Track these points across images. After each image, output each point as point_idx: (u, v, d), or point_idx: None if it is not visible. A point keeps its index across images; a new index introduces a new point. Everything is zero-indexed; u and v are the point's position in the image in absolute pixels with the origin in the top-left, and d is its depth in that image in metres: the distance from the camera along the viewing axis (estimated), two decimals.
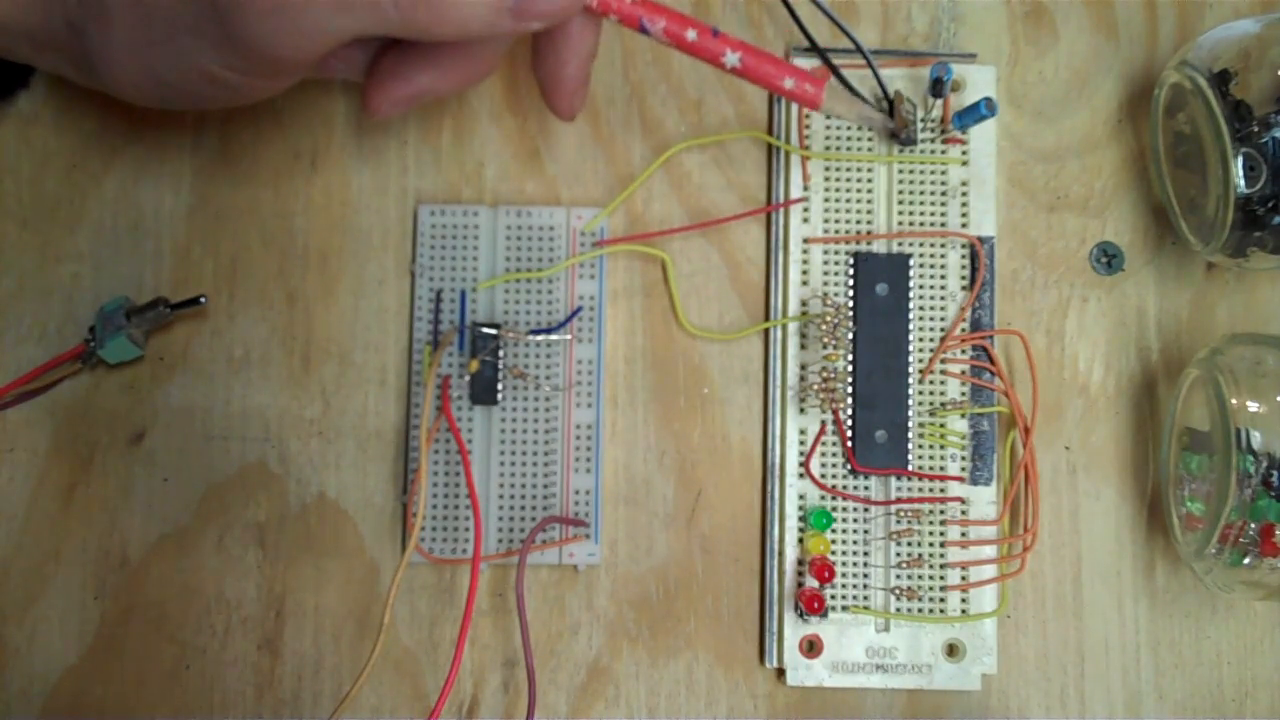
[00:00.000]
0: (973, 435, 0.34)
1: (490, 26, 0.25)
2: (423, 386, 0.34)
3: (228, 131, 0.35)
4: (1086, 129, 0.37)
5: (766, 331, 0.35)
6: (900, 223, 0.35)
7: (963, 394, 0.34)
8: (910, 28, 0.37)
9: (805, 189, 0.35)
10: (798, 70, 0.29)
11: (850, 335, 0.34)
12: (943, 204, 0.35)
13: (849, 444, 0.34)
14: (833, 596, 0.33)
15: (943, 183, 0.35)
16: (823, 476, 0.34)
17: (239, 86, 0.28)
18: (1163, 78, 0.35)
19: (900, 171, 0.35)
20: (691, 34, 0.28)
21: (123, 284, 0.35)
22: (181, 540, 0.34)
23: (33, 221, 0.35)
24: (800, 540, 0.34)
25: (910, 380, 0.34)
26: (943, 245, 0.35)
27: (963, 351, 0.35)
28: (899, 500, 0.34)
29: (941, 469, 0.34)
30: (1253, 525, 0.31)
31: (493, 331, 0.34)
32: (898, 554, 0.34)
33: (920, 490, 0.34)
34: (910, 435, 0.34)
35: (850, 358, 0.34)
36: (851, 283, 0.35)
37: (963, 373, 0.35)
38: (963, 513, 0.34)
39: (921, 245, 0.35)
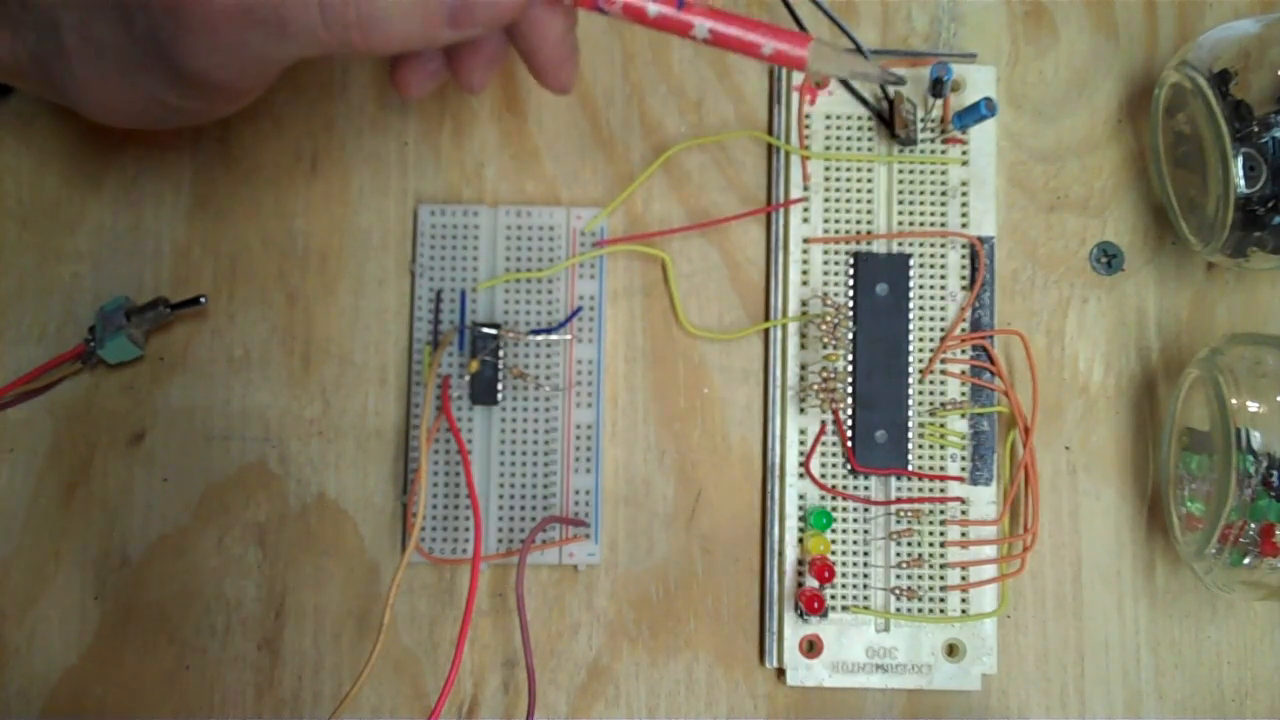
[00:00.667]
0: (973, 435, 0.34)
1: (430, 40, 0.25)
2: (423, 386, 0.34)
3: (228, 132, 0.35)
4: (1086, 129, 0.37)
5: (766, 331, 0.35)
6: (900, 223, 0.35)
7: (963, 394, 0.34)
8: (910, 28, 0.37)
9: (805, 189, 0.35)
10: (777, 31, 0.26)
11: (850, 335, 0.34)
12: (943, 204, 0.35)
13: (849, 444, 0.34)
14: (833, 596, 0.33)
15: (943, 183, 0.35)
16: (823, 476, 0.34)
17: (198, 111, 0.28)
18: (1163, 78, 0.35)
19: (900, 171, 0.35)
20: (654, 8, 0.26)
21: (123, 284, 0.35)
22: (181, 540, 0.34)
23: (33, 221, 0.35)
24: (800, 540, 0.34)
25: (910, 380, 0.34)
26: (943, 245, 0.35)
27: (963, 351, 0.35)
28: (899, 500, 0.34)
29: (941, 469, 0.34)
30: (1253, 525, 0.31)
31: (493, 331, 0.34)
32: (898, 554, 0.34)
33: (920, 490, 0.34)
34: (910, 435, 0.34)
35: (850, 358, 0.34)
36: (851, 283, 0.35)
37: (963, 373, 0.35)
38: (963, 513, 0.34)
39: (921, 245, 0.35)
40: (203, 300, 0.34)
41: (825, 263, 0.35)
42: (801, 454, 0.34)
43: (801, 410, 0.34)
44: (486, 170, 0.36)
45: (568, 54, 0.28)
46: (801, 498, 0.34)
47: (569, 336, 0.34)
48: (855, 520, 0.34)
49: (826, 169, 0.35)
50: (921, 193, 0.35)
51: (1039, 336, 0.36)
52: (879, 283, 0.35)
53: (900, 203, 0.35)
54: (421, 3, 0.24)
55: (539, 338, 0.34)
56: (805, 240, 0.35)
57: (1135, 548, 0.35)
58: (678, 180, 0.36)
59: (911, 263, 0.35)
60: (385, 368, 0.35)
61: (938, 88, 0.34)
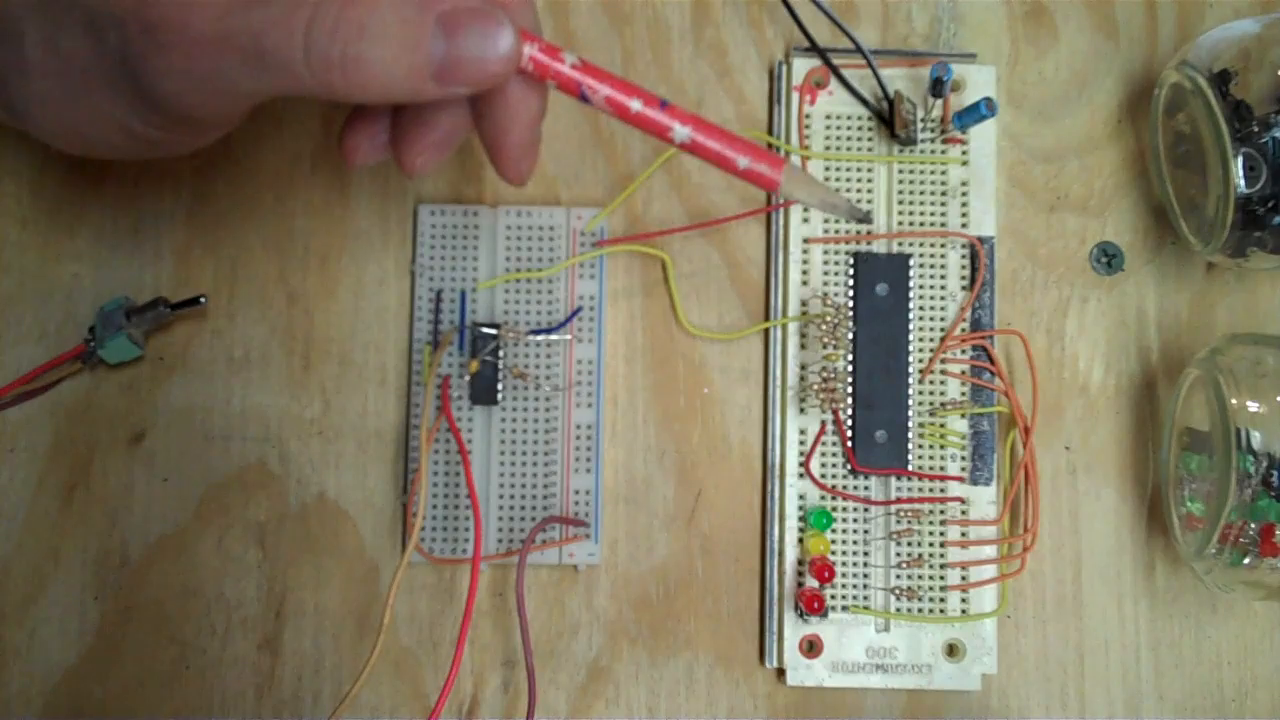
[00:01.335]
0: (973, 435, 0.34)
1: (414, 93, 0.24)
2: (423, 386, 0.34)
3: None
4: (1086, 129, 0.37)
5: (766, 331, 0.35)
6: (900, 223, 0.35)
7: (963, 394, 0.34)
8: (910, 28, 0.37)
9: None
10: (754, 148, 0.26)
11: (850, 335, 0.34)
12: (943, 204, 0.35)
13: (849, 444, 0.34)
14: (833, 596, 0.33)
15: (943, 183, 0.35)
16: (823, 476, 0.34)
17: (159, 141, 0.27)
18: (1163, 78, 0.35)
19: (900, 171, 0.35)
20: (636, 104, 0.25)
21: (123, 284, 0.35)
22: (181, 540, 0.34)
23: (33, 221, 0.35)
24: (800, 540, 0.34)
25: (910, 380, 0.34)
26: (943, 245, 0.35)
27: (963, 351, 0.35)
28: (899, 500, 0.34)
29: (941, 469, 0.34)
30: (1253, 525, 0.31)
31: (493, 331, 0.34)
32: (898, 554, 0.34)
33: (920, 490, 0.34)
34: (910, 435, 0.34)
35: (850, 358, 0.34)
36: (851, 283, 0.35)
37: (963, 373, 0.35)
38: (963, 513, 0.34)
39: (921, 245, 0.35)
40: (203, 300, 0.34)
41: (825, 263, 0.35)
42: (801, 454, 0.34)
43: (801, 410, 0.34)
44: (486, 170, 0.36)
45: (532, 143, 0.27)
46: (801, 498, 0.34)
47: (569, 336, 0.34)
48: (855, 520, 0.34)
49: (826, 169, 0.35)
50: (921, 193, 0.35)
51: (1039, 336, 0.36)
52: (879, 283, 0.35)
53: (900, 203, 0.35)
54: (409, 52, 0.23)
55: (539, 338, 0.34)
56: (805, 240, 0.35)
57: (1135, 548, 0.35)
58: (678, 180, 0.36)
59: (911, 263, 0.35)
60: (385, 368, 0.35)
61: (938, 88, 0.34)
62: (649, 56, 0.36)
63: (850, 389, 0.34)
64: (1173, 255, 0.36)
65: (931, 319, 0.35)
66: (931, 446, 0.34)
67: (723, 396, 0.35)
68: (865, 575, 0.34)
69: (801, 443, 0.34)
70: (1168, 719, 0.34)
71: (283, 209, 0.35)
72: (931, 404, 0.34)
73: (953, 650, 0.34)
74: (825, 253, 0.35)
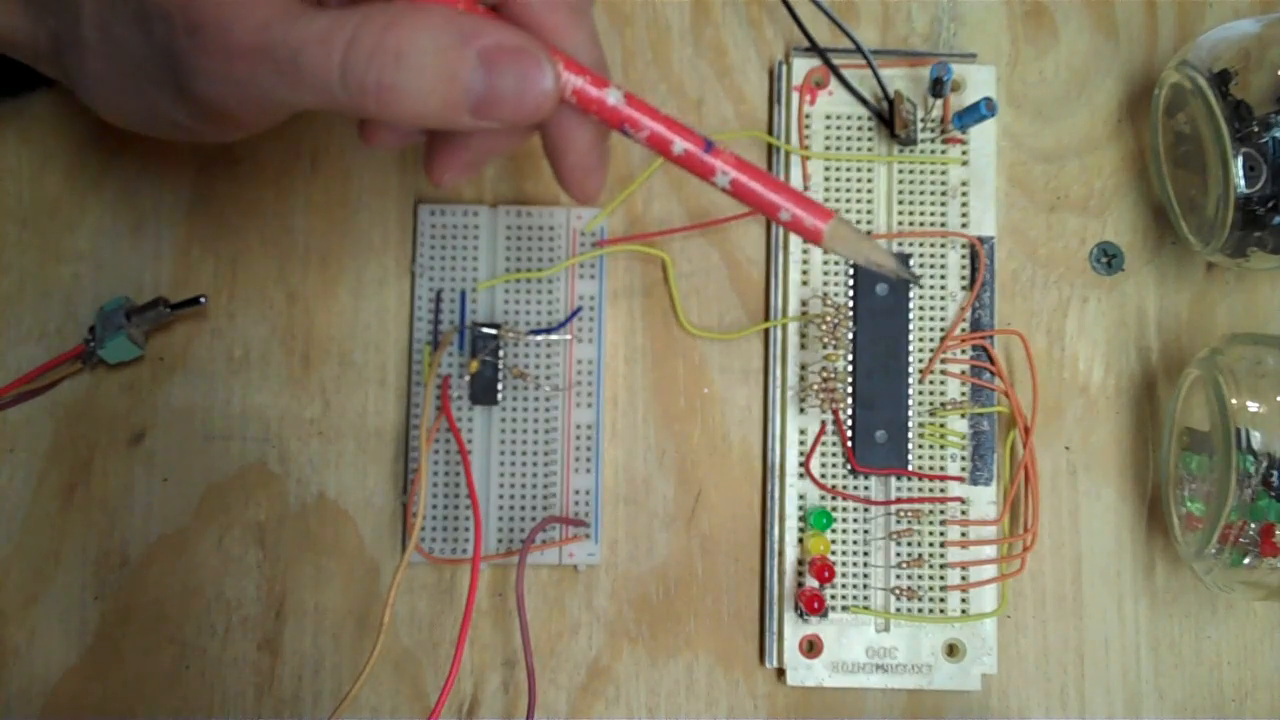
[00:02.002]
0: (973, 435, 0.34)
1: (447, 122, 0.24)
2: (423, 386, 0.34)
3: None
4: (1086, 129, 0.37)
5: (766, 331, 0.35)
6: (900, 223, 0.35)
7: (963, 394, 0.34)
8: (910, 28, 0.37)
9: (805, 189, 0.35)
10: (800, 197, 0.25)
11: (850, 335, 0.34)
12: (943, 204, 0.35)
13: (849, 444, 0.34)
14: (833, 596, 0.33)
15: (943, 183, 0.35)
16: (823, 476, 0.34)
17: (203, 133, 0.27)
18: (1163, 78, 0.35)
19: (900, 171, 0.35)
20: (679, 146, 0.25)
21: (123, 284, 0.35)
22: (181, 540, 0.34)
23: (33, 221, 0.35)
24: (800, 540, 0.34)
25: (910, 380, 0.34)
26: (943, 245, 0.35)
27: (963, 351, 0.35)
28: (899, 500, 0.34)
29: (941, 469, 0.34)
30: (1253, 525, 0.31)
31: (493, 331, 0.34)
32: (898, 554, 0.34)
33: (920, 490, 0.34)
34: (910, 435, 0.34)
35: (850, 358, 0.34)
36: (851, 283, 0.35)
37: (963, 373, 0.35)
38: (963, 513, 0.34)
39: (921, 245, 0.35)
40: (203, 300, 0.34)
41: (825, 263, 0.35)
42: (801, 454, 0.34)
43: (801, 410, 0.34)
44: (486, 170, 0.36)
45: (595, 164, 0.27)
46: (801, 498, 0.34)
47: (569, 336, 0.34)
48: (855, 520, 0.34)
49: (826, 169, 0.35)
50: (921, 193, 0.35)
51: (1039, 336, 0.36)
52: (879, 283, 0.35)
53: (900, 203, 0.35)
54: (446, 85, 0.23)
55: (539, 338, 0.34)
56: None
57: (1135, 548, 0.35)
58: (678, 180, 0.36)
59: (912, 263, 0.35)
60: (385, 368, 0.35)
61: (938, 88, 0.34)
62: (649, 56, 0.36)
63: (850, 389, 0.34)
64: (1173, 255, 0.36)
65: (931, 319, 0.35)
66: (931, 446, 0.34)
67: (723, 396, 0.35)
68: (865, 575, 0.34)
69: (801, 443, 0.34)
70: (1168, 719, 0.34)
71: (283, 208, 0.35)
72: (931, 404, 0.34)
73: (953, 650, 0.34)
74: (825, 252, 0.35)
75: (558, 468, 0.34)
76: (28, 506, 0.34)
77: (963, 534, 0.34)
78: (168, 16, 0.24)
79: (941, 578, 0.34)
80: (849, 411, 0.34)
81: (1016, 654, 0.34)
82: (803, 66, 0.35)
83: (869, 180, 0.35)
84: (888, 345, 0.34)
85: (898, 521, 0.34)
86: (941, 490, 0.34)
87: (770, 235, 0.36)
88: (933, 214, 0.35)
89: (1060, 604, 0.34)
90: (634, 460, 0.35)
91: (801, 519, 0.34)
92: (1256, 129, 0.32)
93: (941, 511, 0.34)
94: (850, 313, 0.34)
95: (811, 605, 0.33)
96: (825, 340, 0.34)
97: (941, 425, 0.34)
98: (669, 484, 0.35)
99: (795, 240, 0.35)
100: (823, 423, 0.34)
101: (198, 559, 0.34)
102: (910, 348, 0.34)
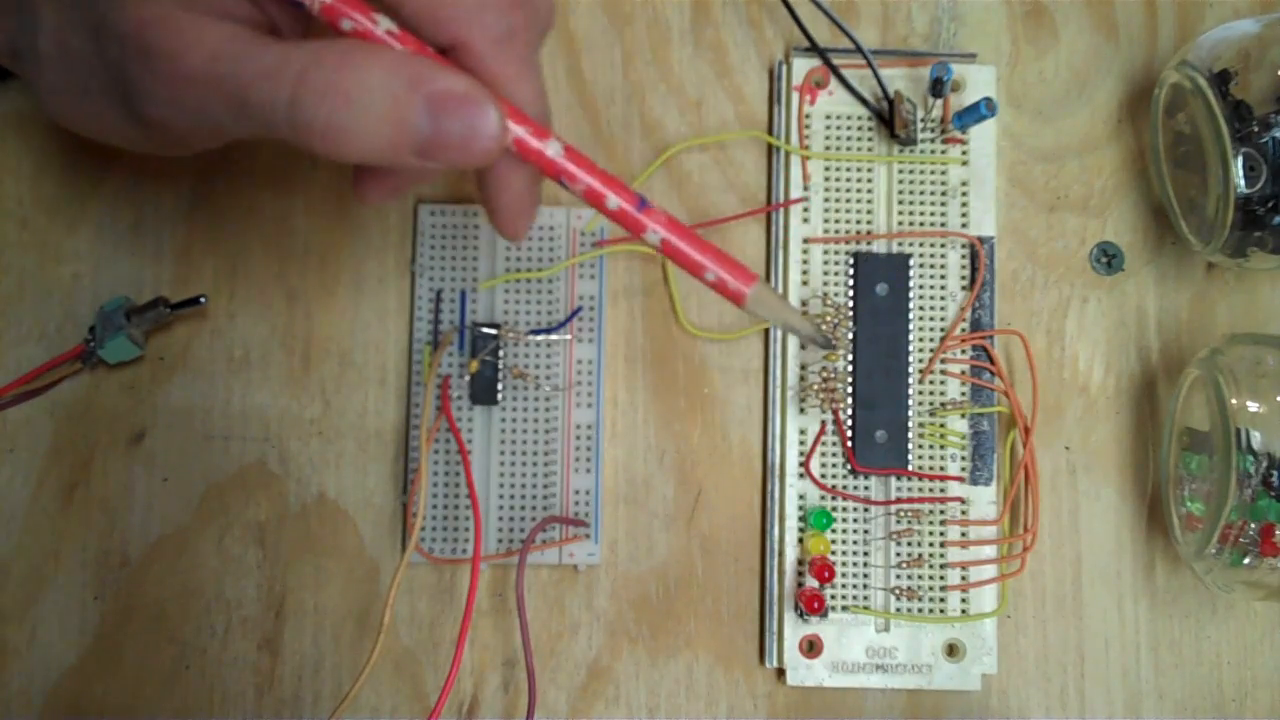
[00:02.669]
0: (973, 435, 0.34)
1: (391, 161, 0.24)
2: (423, 386, 0.34)
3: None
4: (1086, 129, 0.37)
5: (766, 331, 0.35)
6: (900, 223, 0.35)
7: (963, 394, 0.34)
8: (910, 28, 0.37)
9: (805, 189, 0.35)
10: (726, 259, 0.26)
11: (850, 335, 0.34)
12: (943, 204, 0.35)
13: (849, 444, 0.34)
14: (833, 596, 0.33)
15: (943, 183, 0.35)
16: (823, 476, 0.34)
17: (152, 148, 0.28)
18: (1163, 78, 0.35)
19: (900, 171, 0.35)
20: (613, 201, 0.25)
21: (123, 284, 0.35)
22: (181, 540, 0.34)
23: (33, 221, 0.35)
24: (800, 540, 0.34)
25: (910, 380, 0.34)
26: (943, 245, 0.35)
27: (963, 351, 0.35)
28: (899, 500, 0.34)
29: (941, 469, 0.34)
30: (1253, 525, 0.31)
31: (493, 331, 0.34)
32: (898, 554, 0.34)
33: (920, 490, 0.34)
34: (910, 435, 0.34)
35: (850, 358, 0.34)
36: (851, 283, 0.35)
37: (963, 373, 0.35)
38: (963, 513, 0.34)
39: (921, 245, 0.35)
40: (203, 300, 0.34)
41: (825, 263, 0.35)
42: (801, 454, 0.34)
43: (801, 410, 0.34)
44: None
45: (526, 206, 0.27)
46: (801, 498, 0.34)
47: (569, 336, 0.34)
48: (855, 520, 0.34)
49: (826, 169, 0.35)
50: (921, 193, 0.35)
51: (1039, 336, 0.36)
52: (879, 283, 0.35)
53: (900, 203, 0.35)
54: (392, 127, 0.23)
55: (539, 338, 0.34)
56: (805, 240, 0.35)
57: (1135, 548, 0.35)
58: (678, 180, 0.36)
59: (911, 263, 0.35)
60: (385, 368, 0.35)
61: (938, 88, 0.34)
62: (649, 56, 0.36)
63: (850, 389, 0.34)
64: (1173, 255, 0.36)
65: (931, 319, 0.35)
66: (931, 446, 0.34)
67: (723, 396, 0.35)
68: (865, 575, 0.34)
69: (801, 443, 0.34)
70: (1168, 719, 0.34)
71: (283, 208, 0.35)
72: (931, 404, 0.34)
73: (953, 650, 0.34)
74: (825, 253, 0.35)
75: (558, 468, 0.34)
76: (28, 506, 0.34)
77: (963, 534, 0.34)
78: (122, 39, 0.24)
79: (941, 578, 0.34)
80: (849, 411, 0.34)
81: (1016, 654, 0.34)
82: (803, 66, 0.35)
83: (869, 180, 0.35)
84: (888, 345, 0.34)
85: (898, 521, 0.34)
86: (941, 490, 0.34)
87: (770, 235, 0.36)
88: (933, 214, 0.35)
89: (1060, 604, 0.34)
90: (634, 460, 0.35)
91: (801, 519, 0.34)
92: (1256, 129, 0.32)
93: (941, 511, 0.34)
94: (850, 313, 0.34)
95: (811, 605, 0.33)
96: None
97: (941, 425, 0.34)
98: (669, 484, 0.35)
99: (795, 240, 0.35)
100: (823, 423, 0.34)
101: (198, 559, 0.34)
102: (910, 348, 0.34)
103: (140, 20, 0.24)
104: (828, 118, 0.35)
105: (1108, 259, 0.36)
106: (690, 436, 0.35)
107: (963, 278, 0.35)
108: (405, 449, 0.34)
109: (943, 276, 0.35)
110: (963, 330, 0.35)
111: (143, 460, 0.34)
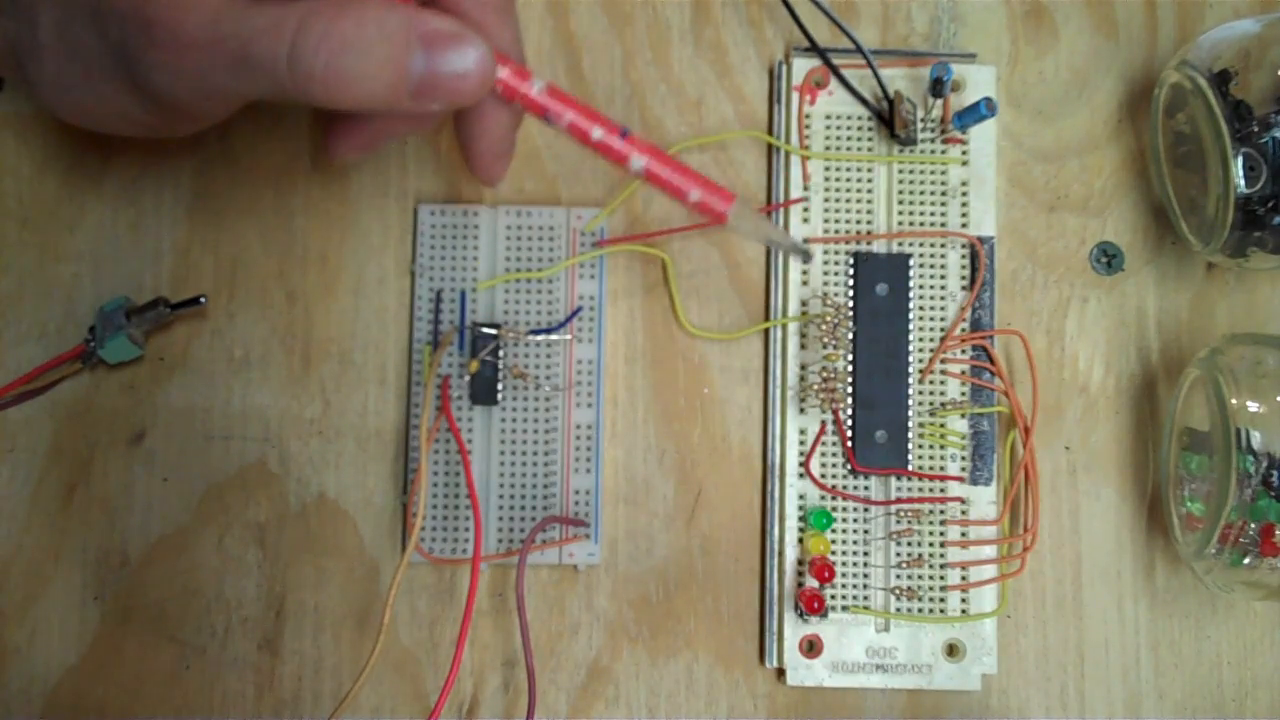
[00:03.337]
0: (973, 435, 0.34)
1: (389, 105, 0.25)
2: (423, 386, 0.34)
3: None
4: (1086, 129, 0.37)
5: (766, 331, 0.35)
6: (900, 223, 0.35)
7: (963, 394, 0.34)
8: (910, 28, 0.37)
9: (805, 189, 0.35)
10: (706, 182, 0.28)
11: (850, 335, 0.34)
12: (943, 204, 0.35)
13: (849, 444, 0.34)
14: (833, 596, 0.33)
15: (943, 183, 0.35)
16: (823, 476, 0.34)
17: (157, 127, 0.29)
18: (1163, 78, 0.35)
19: (900, 171, 0.35)
20: (597, 132, 0.27)
21: (123, 284, 0.35)
22: (181, 540, 0.34)
23: (33, 221, 0.35)
24: (800, 540, 0.34)
25: (910, 380, 0.34)
26: (943, 245, 0.35)
27: (963, 351, 0.35)
28: (899, 500, 0.34)
29: (941, 469, 0.34)
30: (1253, 525, 0.31)
31: (493, 331, 0.34)
32: (898, 554, 0.34)
33: (920, 490, 0.34)
34: (910, 435, 0.34)
35: (850, 358, 0.34)
36: (851, 283, 0.35)
37: (963, 373, 0.35)
38: (963, 513, 0.34)
39: (921, 245, 0.35)
40: (203, 300, 0.34)
41: (825, 263, 0.35)
42: (801, 454, 0.34)
43: (801, 410, 0.34)
44: None
45: (504, 151, 0.29)
46: (801, 498, 0.34)
47: (569, 336, 0.34)
48: (855, 520, 0.34)
49: (826, 169, 0.35)
50: (921, 193, 0.35)
51: (1039, 336, 0.36)
52: (879, 283, 0.35)
53: (900, 203, 0.35)
54: (389, 69, 0.24)
55: (539, 338, 0.34)
56: (805, 240, 0.35)
57: (1135, 548, 0.35)
58: None
59: (911, 263, 0.35)
60: (385, 368, 0.35)
61: (938, 88, 0.34)
62: (649, 56, 0.36)
63: (850, 389, 0.34)
64: (1173, 255, 0.36)
65: (931, 319, 0.35)
66: (931, 446, 0.34)
67: (723, 396, 0.35)
68: (865, 575, 0.34)
69: (801, 443, 0.34)
70: (1168, 719, 0.34)
71: (282, 208, 0.35)
72: (931, 404, 0.34)
73: (953, 650, 0.34)
74: (825, 253, 0.35)
75: (558, 468, 0.34)
76: (28, 506, 0.34)
77: (963, 534, 0.34)
78: (122, 16, 0.25)
79: (941, 578, 0.34)
80: (849, 411, 0.34)
81: (1016, 654, 0.34)
82: (803, 66, 0.35)
83: (869, 180, 0.35)
84: (888, 345, 0.34)
85: (898, 521, 0.34)
86: (941, 490, 0.34)
87: None
88: (933, 214, 0.35)
89: (1060, 604, 0.35)
90: (634, 460, 0.35)
91: (801, 519, 0.34)
92: (1256, 129, 0.32)
93: (941, 511, 0.34)
94: (850, 313, 0.34)
95: (811, 605, 0.33)
96: (825, 340, 0.34)
97: (941, 425, 0.34)
98: (669, 484, 0.35)
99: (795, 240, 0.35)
100: (823, 423, 0.34)
101: (198, 559, 0.34)
102: (910, 348, 0.34)
103: None
104: (828, 118, 0.35)
105: (1108, 259, 0.36)
106: (690, 436, 0.35)
107: (963, 278, 0.35)
108: (405, 449, 0.34)
109: (943, 276, 0.35)
110: (963, 330, 0.35)
111: (143, 460, 0.34)
